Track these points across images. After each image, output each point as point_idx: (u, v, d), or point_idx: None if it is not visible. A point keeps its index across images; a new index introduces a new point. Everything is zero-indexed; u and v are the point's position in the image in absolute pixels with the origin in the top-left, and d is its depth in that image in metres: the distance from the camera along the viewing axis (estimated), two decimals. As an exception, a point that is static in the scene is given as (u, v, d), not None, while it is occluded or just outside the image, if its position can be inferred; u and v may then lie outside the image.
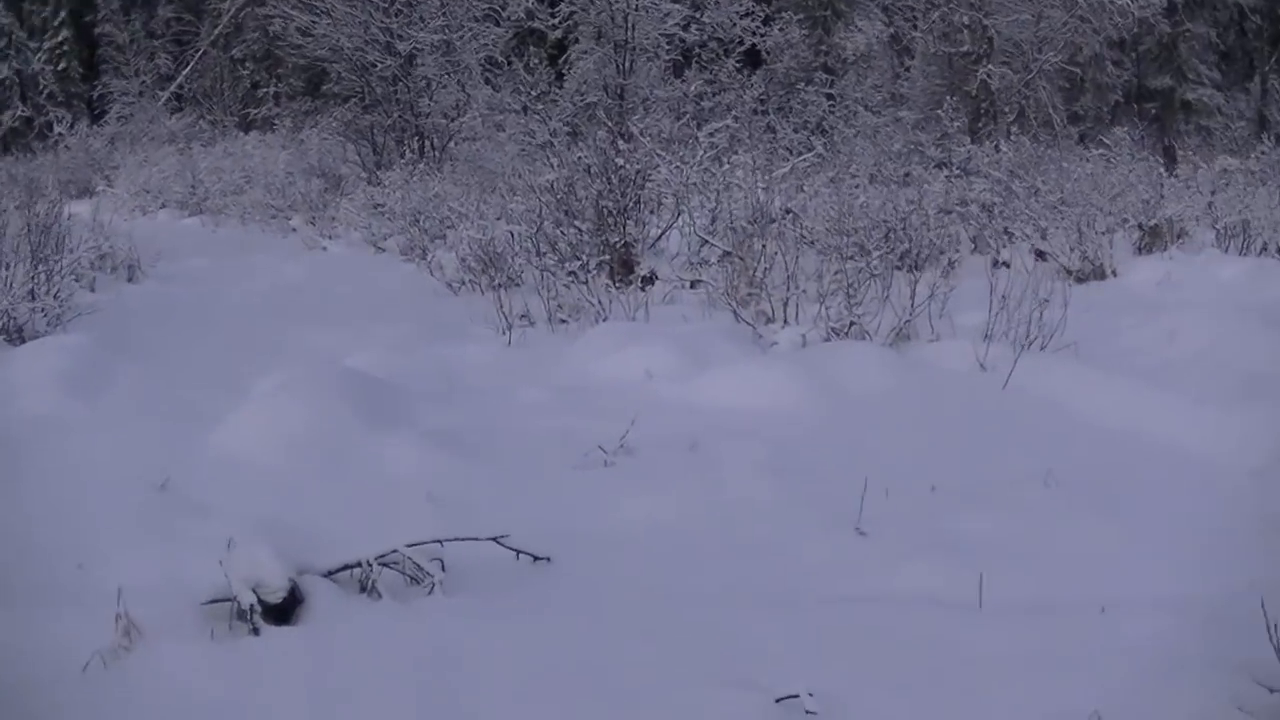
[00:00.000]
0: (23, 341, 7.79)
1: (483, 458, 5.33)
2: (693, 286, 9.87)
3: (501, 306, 8.49)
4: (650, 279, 10.11)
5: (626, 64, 20.69)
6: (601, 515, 4.72)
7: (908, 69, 27.65)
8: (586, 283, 9.21)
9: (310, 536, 3.91)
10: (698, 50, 23.81)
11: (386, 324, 9.04)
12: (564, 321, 8.87)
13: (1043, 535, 4.44)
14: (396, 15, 20.48)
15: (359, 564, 3.82)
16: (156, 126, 27.94)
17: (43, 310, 8.23)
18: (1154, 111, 30.03)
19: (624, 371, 6.83)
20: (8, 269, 8.30)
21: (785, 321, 7.96)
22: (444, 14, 21.54)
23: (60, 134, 30.25)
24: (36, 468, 5.11)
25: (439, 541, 4.00)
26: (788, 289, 8.12)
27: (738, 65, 25.12)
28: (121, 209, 21.81)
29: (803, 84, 27.63)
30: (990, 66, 23.14)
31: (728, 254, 10.02)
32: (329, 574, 3.77)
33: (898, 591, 3.91)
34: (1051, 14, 22.92)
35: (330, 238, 16.62)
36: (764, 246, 8.80)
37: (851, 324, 7.67)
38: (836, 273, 7.94)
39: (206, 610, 3.57)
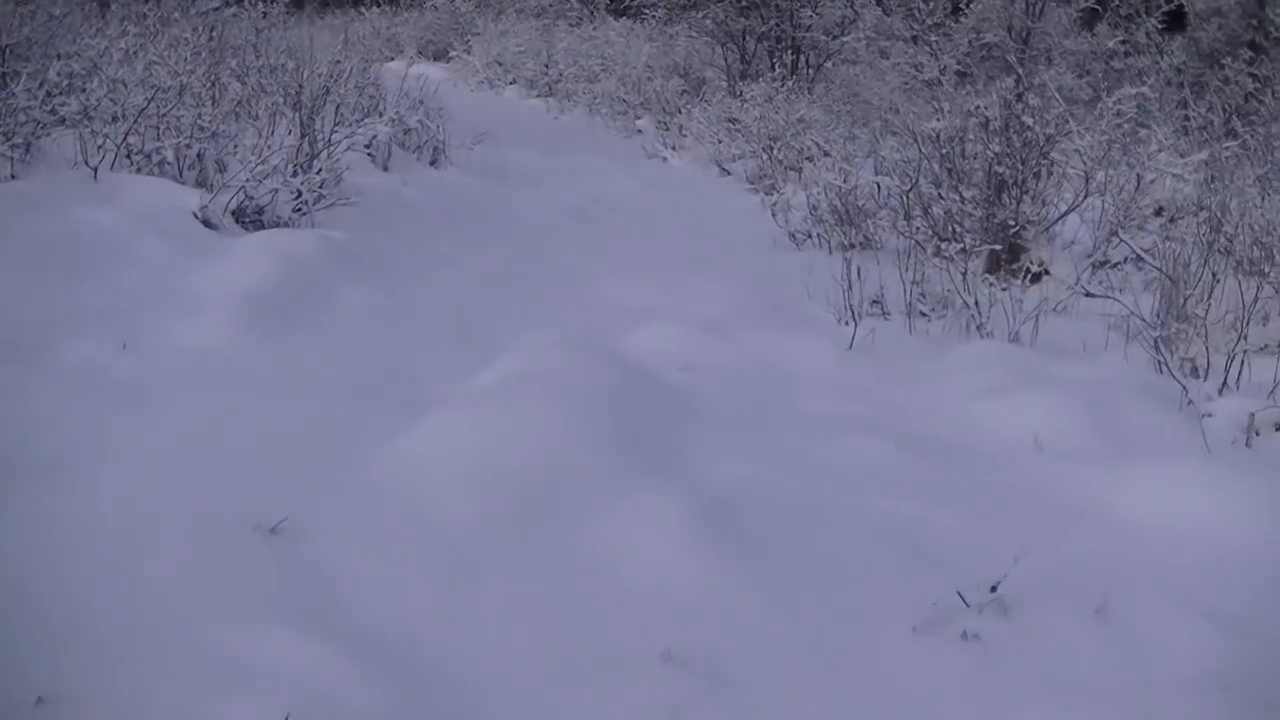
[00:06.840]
0: (260, 228, 6.55)
1: (770, 569, 3.47)
2: (1088, 295, 7.71)
3: (849, 283, 6.65)
4: (1039, 275, 7.98)
5: (1038, 5, 17.99)
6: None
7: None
8: (965, 273, 7.19)
9: None
10: (1116, 1, 20.74)
11: (704, 277, 7.37)
12: (925, 316, 6.98)
13: None
14: (784, -93, 18.51)
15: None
16: (526, -3, 27.12)
17: (295, 193, 6.81)
18: None
19: (1003, 428, 4.84)
20: (261, 136, 7.03)
21: (1225, 384, 5.81)
22: (834, -82, 19.40)
23: (429, -8, 29.77)
24: (110, 454, 3.62)
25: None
26: (1238, 336, 5.91)
27: (1158, 26, 21.86)
28: (471, 79, 21.17)
29: (1227, 59, 24.00)
30: None
31: (1140, 258, 7.85)
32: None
33: None
34: None
35: (675, 149, 15.07)
36: (1205, 263, 6.65)
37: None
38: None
39: None
